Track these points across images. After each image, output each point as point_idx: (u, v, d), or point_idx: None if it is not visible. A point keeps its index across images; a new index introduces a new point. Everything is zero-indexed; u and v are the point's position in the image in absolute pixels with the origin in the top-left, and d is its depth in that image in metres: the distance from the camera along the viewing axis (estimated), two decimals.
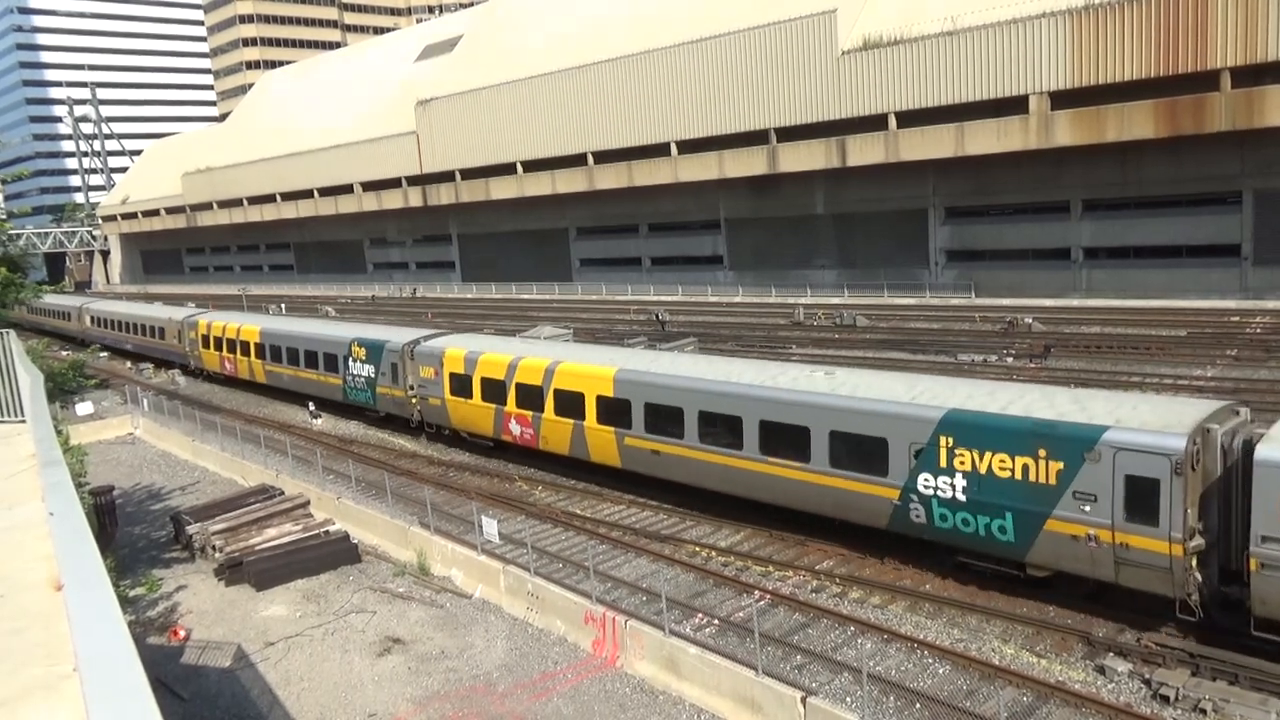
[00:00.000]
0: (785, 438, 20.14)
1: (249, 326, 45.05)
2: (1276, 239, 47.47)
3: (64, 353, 62.03)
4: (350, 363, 36.10)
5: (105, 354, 64.74)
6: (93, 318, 68.12)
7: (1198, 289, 49.72)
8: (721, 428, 21.58)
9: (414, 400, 32.79)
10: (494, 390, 28.57)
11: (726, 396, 21.48)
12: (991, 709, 13.91)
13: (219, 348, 47.59)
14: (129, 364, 60.91)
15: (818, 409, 19.53)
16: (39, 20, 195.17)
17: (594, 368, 25.35)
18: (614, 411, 24.38)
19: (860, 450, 18.75)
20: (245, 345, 44.70)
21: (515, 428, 27.91)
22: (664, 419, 22.96)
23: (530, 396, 27.14)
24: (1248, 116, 45.20)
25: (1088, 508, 15.50)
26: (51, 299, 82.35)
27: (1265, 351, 36.36)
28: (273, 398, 45.32)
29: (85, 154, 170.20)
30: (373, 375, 34.87)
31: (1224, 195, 49.28)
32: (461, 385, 30.05)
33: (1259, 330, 40.83)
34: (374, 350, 34.68)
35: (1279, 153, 46.39)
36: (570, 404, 25.68)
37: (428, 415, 32.52)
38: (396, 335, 35.16)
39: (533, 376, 27.00)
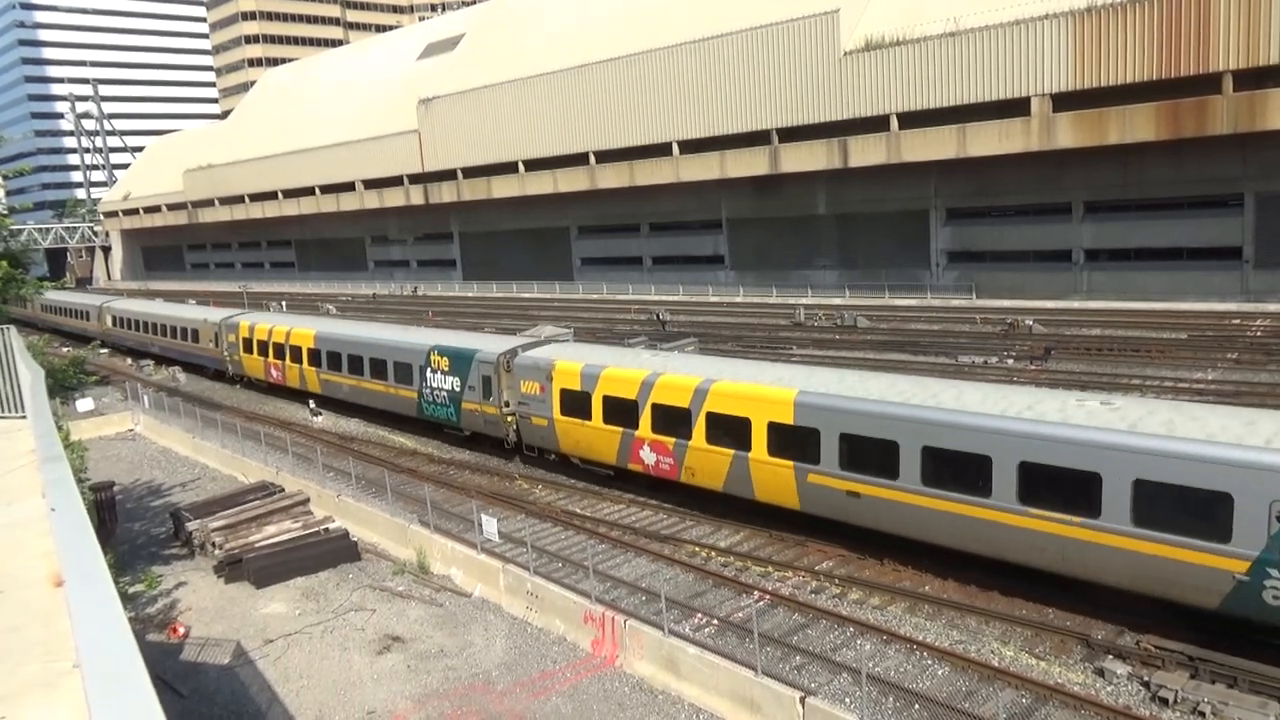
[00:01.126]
0: (1057, 484, 16.14)
1: (301, 330, 40.63)
2: (1278, 242, 47.47)
3: (64, 349, 62.12)
4: (429, 373, 31.73)
5: (106, 350, 64.68)
6: (115, 318, 63.79)
7: (1199, 291, 49.71)
8: (959, 468, 17.48)
9: (509, 419, 28.66)
10: (621, 411, 24.37)
11: (968, 430, 17.32)
12: (990, 710, 13.91)
13: (263, 352, 43.39)
14: (130, 360, 60.91)
15: (1113, 452, 15.40)
16: (41, 16, 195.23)
17: (764, 389, 21.11)
18: (793, 442, 20.24)
19: (1184, 507, 14.67)
20: (296, 350, 40.33)
21: (648, 456, 23.78)
22: (868, 454, 18.81)
23: (672, 420, 23.04)
24: (1250, 119, 45.20)
25: None
26: (68, 296, 79.37)
27: (1266, 355, 36.34)
28: (273, 395, 45.32)
29: (87, 150, 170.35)
30: (457, 389, 30.52)
31: (1225, 198, 49.27)
32: (576, 404, 25.73)
33: (1260, 333, 40.81)
34: (460, 360, 30.41)
35: None
36: (730, 431, 21.60)
37: (528, 436, 28.19)
38: (489, 343, 31.20)
39: (676, 396, 22.90)
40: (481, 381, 29.51)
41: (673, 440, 23.09)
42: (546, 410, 26.99)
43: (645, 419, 23.77)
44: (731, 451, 21.58)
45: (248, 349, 44.89)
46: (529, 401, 27.61)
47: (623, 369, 24.88)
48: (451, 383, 30.87)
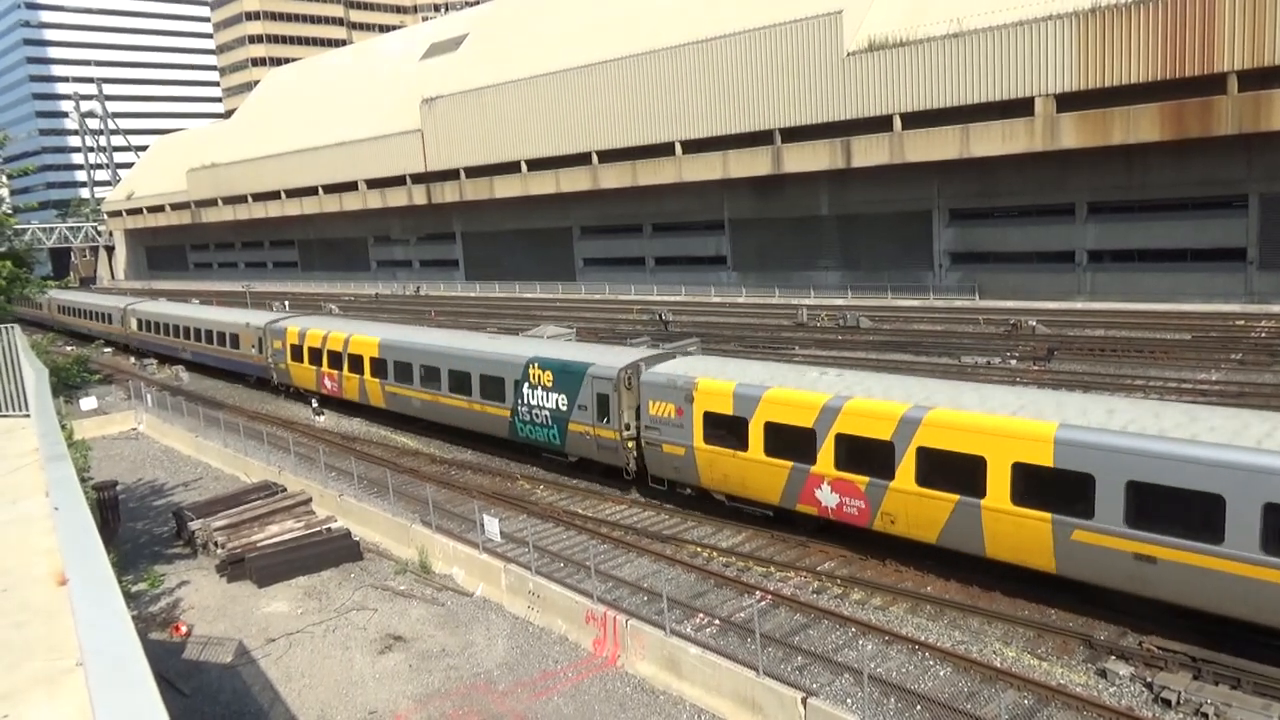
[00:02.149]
0: None
1: (363, 336, 36.42)
2: None
3: (68, 348, 62.22)
4: (526, 389, 27.56)
5: (109, 349, 64.72)
6: (141, 321, 59.45)
7: (1202, 293, 49.62)
8: None
9: (630, 443, 24.77)
10: (791, 442, 20.32)
11: None
12: (993, 711, 13.90)
13: (315, 361, 39.30)
14: (133, 359, 61.00)
15: None
16: (46, 16, 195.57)
17: (1006, 421, 17.06)
18: (1052, 490, 16.42)
19: None
20: (356, 360, 36.22)
21: (828, 497, 19.85)
22: (1173, 509, 14.96)
23: (865, 455, 18.97)
24: (1254, 120, 45.12)
25: None
26: (86, 297, 76.52)
27: (1270, 355, 36.28)
28: (274, 394, 45.34)
29: (91, 149, 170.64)
30: (563, 408, 26.36)
31: (1230, 199, 49.18)
32: (726, 431, 21.76)
33: (1264, 334, 40.73)
34: (569, 375, 26.23)
35: None
36: (952, 472, 17.65)
37: (656, 466, 23.97)
38: (605, 356, 26.65)
39: (873, 426, 18.82)
40: (596, 400, 25.21)
41: (865, 480, 18.98)
42: (684, 437, 22.68)
43: (827, 452, 19.61)
44: (954, 497, 17.57)
45: (296, 357, 40.84)
46: (659, 426, 23.27)
47: (794, 390, 20.55)
48: (556, 401, 26.52)
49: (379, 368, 34.94)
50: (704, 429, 22.30)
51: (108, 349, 65.13)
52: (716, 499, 22.82)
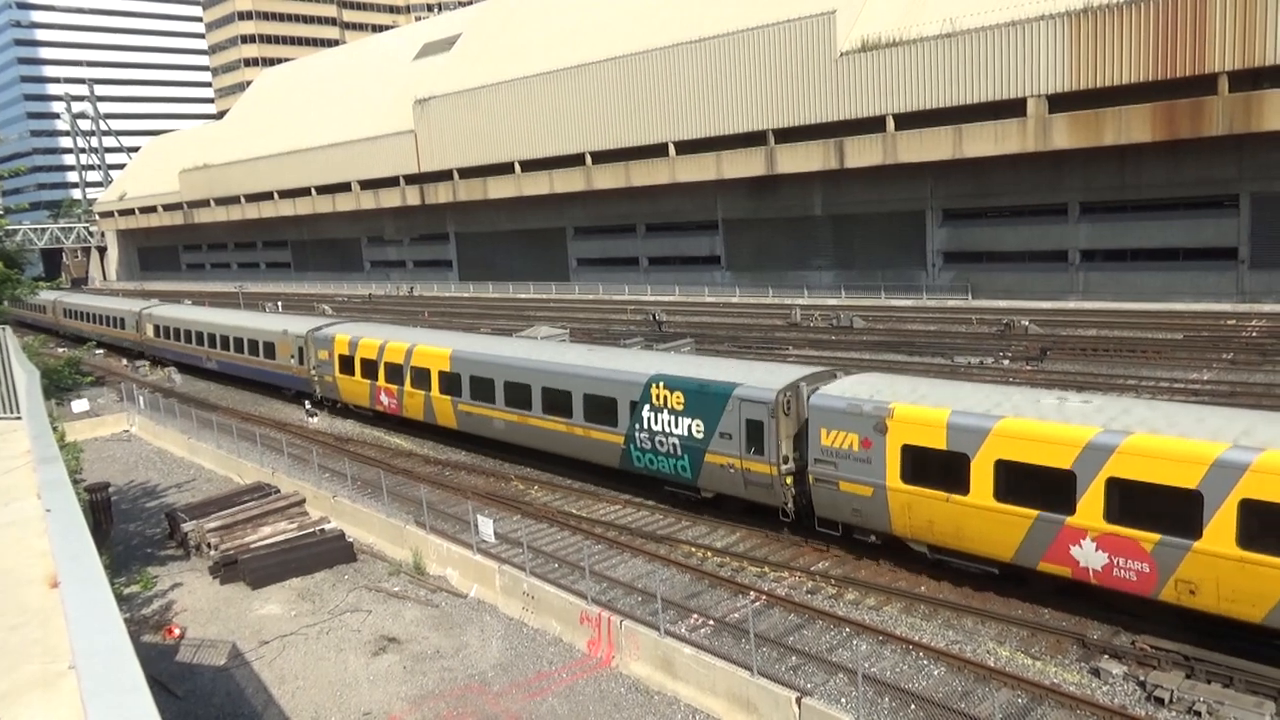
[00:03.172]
0: None
1: (430, 347, 32.05)
2: (1273, 242, 47.60)
3: (60, 350, 61.96)
4: (646, 412, 23.62)
5: (101, 351, 64.40)
6: (159, 327, 55.25)
7: (1194, 292, 49.83)
8: None
9: (789, 479, 20.90)
10: (1037, 486, 16.48)
11: None
12: (986, 710, 13.95)
13: (370, 374, 34.97)
14: (125, 361, 60.77)
15: None
16: (37, 16, 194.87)
17: None
18: None
19: None
20: (421, 374, 32.09)
21: (1091, 556, 15.88)
22: None
23: (1152, 506, 15.12)
24: (1245, 120, 45.31)
25: None
26: (97, 300, 71.88)
27: (1261, 355, 36.44)
28: (269, 395, 45.16)
29: (83, 150, 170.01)
30: (698, 435, 22.44)
31: (1221, 199, 49.39)
32: (936, 469, 17.76)
33: (1255, 334, 40.92)
34: (707, 396, 22.20)
35: (1276, 156, 46.52)
36: None
37: (829, 508, 19.86)
38: (753, 374, 22.27)
39: (1169, 471, 14.85)
40: (745, 428, 21.34)
41: (1154, 538, 15.07)
42: (871, 474, 18.69)
43: (1092, 500, 15.78)
44: None
45: (346, 369, 36.54)
46: (835, 460, 19.32)
47: (1042, 423, 16.54)
48: (688, 426, 22.63)
49: (450, 383, 30.69)
50: (902, 465, 18.28)
51: (99, 350, 64.56)
52: (914, 549, 18.77)
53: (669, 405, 23.16)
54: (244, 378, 46.21)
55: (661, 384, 23.44)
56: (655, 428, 23.50)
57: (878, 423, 18.59)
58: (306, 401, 40.61)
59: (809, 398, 20.25)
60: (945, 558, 18.39)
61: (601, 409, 25.01)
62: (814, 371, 22.01)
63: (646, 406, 23.66)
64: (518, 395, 27.87)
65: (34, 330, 77.88)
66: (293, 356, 40.59)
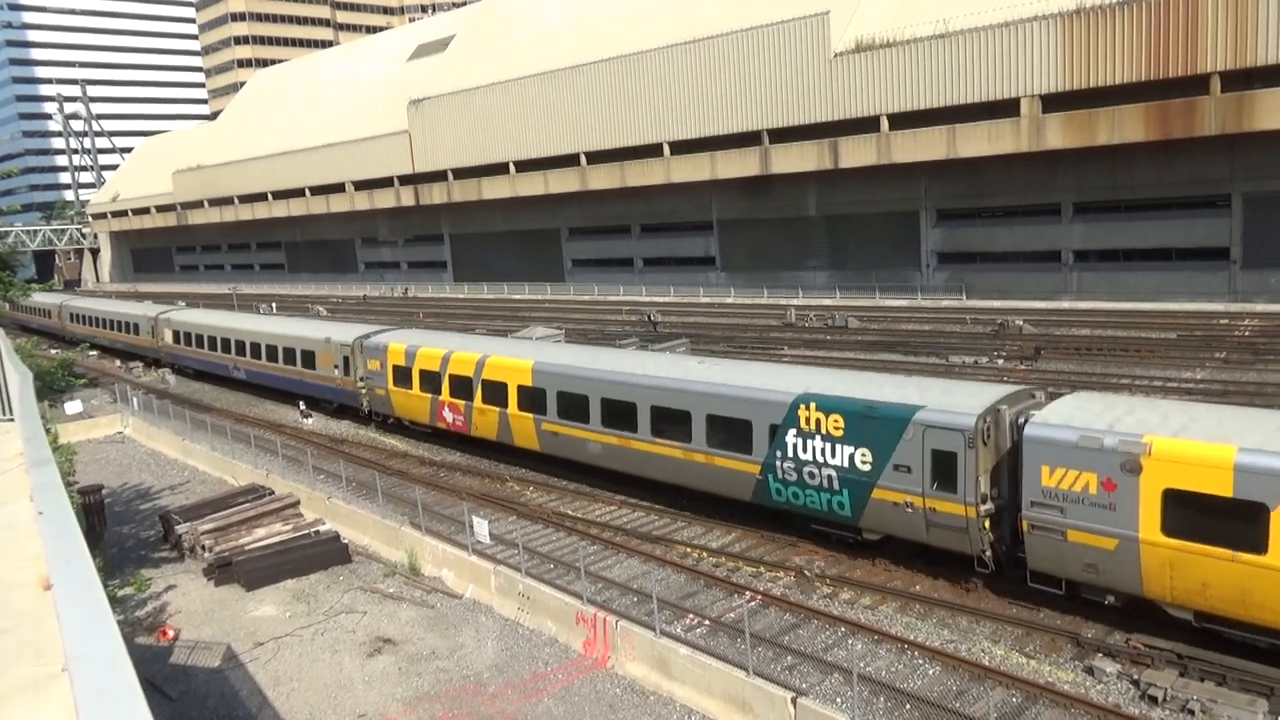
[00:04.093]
0: None
1: (506, 358, 28.58)
2: (1265, 242, 47.77)
3: (53, 351, 61.71)
4: (793, 438, 20.11)
5: (95, 353, 64.15)
6: (178, 333, 51.93)
7: (1187, 292, 49.98)
8: None
9: (986, 521, 17.44)
10: None
11: None
12: (981, 710, 13.98)
13: (431, 388, 31.49)
14: (118, 362, 60.58)
15: None
16: (29, 17, 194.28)
17: None
18: None
19: None
20: (495, 388, 28.56)
21: None
22: None
23: None
24: (1237, 120, 45.47)
25: None
26: (109, 304, 69.02)
27: (1253, 354, 36.58)
28: (263, 396, 45.01)
29: (75, 151, 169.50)
30: (864, 466, 18.91)
31: (1213, 199, 49.55)
32: (1220, 521, 14.36)
33: (1247, 333, 41.06)
34: (877, 421, 18.70)
35: (1268, 157, 46.67)
36: None
37: (1051, 559, 16.26)
38: (936, 394, 18.77)
39: None
40: (930, 459, 17.89)
41: None
42: (1115, 523, 15.36)
43: None
44: None
45: (402, 381, 33.10)
46: (1060, 503, 15.86)
47: None
48: (849, 456, 19.11)
49: (532, 399, 27.19)
50: (1164, 514, 14.87)
51: (93, 352, 64.14)
52: (1172, 615, 15.26)
53: (823, 430, 19.52)
54: (277, 389, 42.84)
55: (813, 405, 19.74)
56: (803, 456, 19.90)
57: (1127, 460, 15.11)
58: (301, 403, 40.41)
59: (1022, 426, 16.76)
60: (1220, 628, 14.79)
61: (731, 433, 21.47)
62: (1012, 391, 18.52)
63: (792, 431, 20.07)
64: (619, 414, 24.31)
65: (40, 336, 74.56)
66: (336, 366, 37.12)
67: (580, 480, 27.01)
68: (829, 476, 19.56)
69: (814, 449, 19.73)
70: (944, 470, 17.69)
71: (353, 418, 37.58)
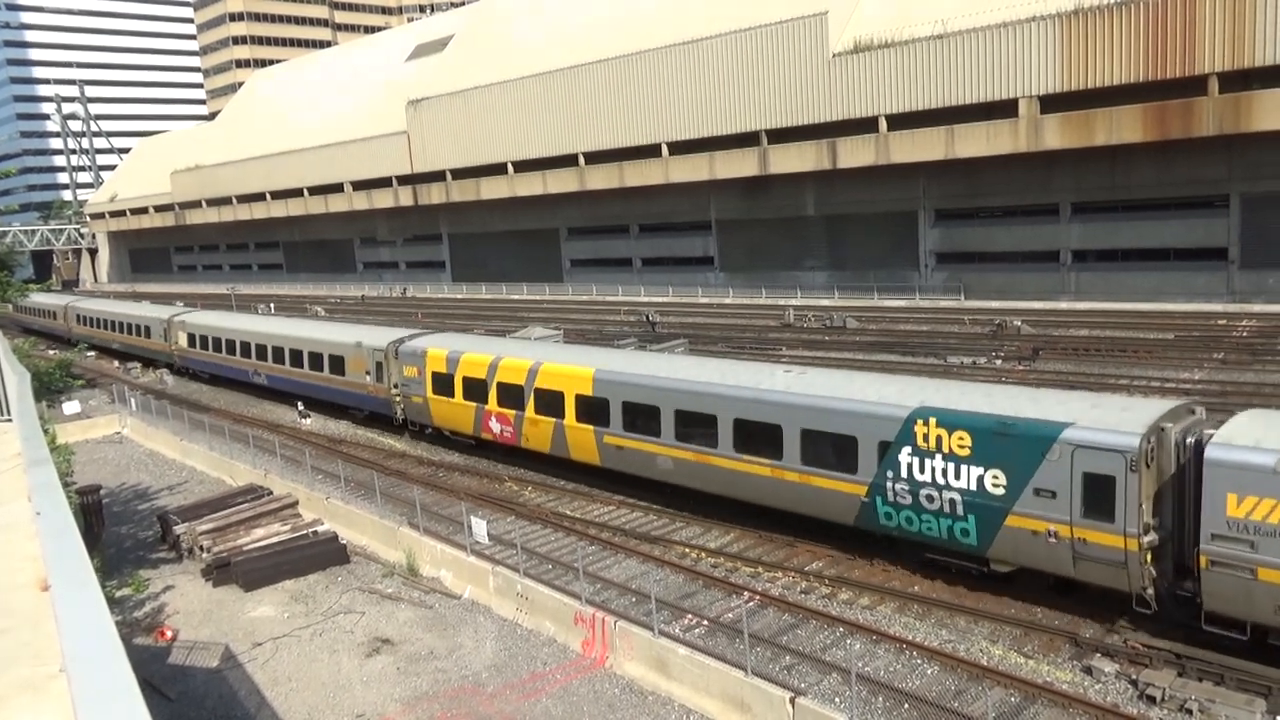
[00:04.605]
0: None
1: (562, 365, 26.57)
2: (1263, 243, 47.81)
3: (51, 351, 61.65)
4: (907, 456, 18.11)
5: (93, 353, 64.14)
6: (194, 336, 49.78)
7: (1185, 292, 50.02)
8: None
9: (1148, 554, 15.52)
10: None
11: None
12: (979, 709, 13.99)
13: (476, 396, 29.39)
14: (116, 363, 60.51)
15: None
16: (27, 17, 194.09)
17: None
18: None
19: None
20: (550, 397, 26.56)
21: None
22: None
23: None
24: (1235, 121, 45.51)
25: None
26: (119, 306, 66.25)
27: (1251, 355, 36.62)
28: (261, 397, 44.97)
29: (73, 151, 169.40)
30: (996, 490, 16.86)
31: (1211, 199, 49.59)
32: None
33: (1245, 333, 41.10)
34: (1014, 439, 16.64)
35: (1266, 157, 46.71)
36: None
37: (1237, 602, 14.24)
38: (1084, 408, 16.78)
39: None
40: (1082, 483, 15.88)
41: None
42: None
43: None
44: None
45: (443, 389, 31.07)
46: (1250, 537, 13.84)
47: None
48: (977, 478, 17.09)
49: (593, 410, 25.16)
50: None
51: (88, 355, 63.97)
52: None
53: (946, 449, 17.49)
54: (299, 395, 40.74)
55: (933, 420, 17.70)
56: (920, 477, 17.88)
57: None
58: (300, 403, 40.36)
59: (1197, 446, 14.80)
60: None
61: (832, 450, 19.51)
62: (1173, 406, 16.42)
63: (907, 449, 18.07)
64: (696, 427, 22.40)
65: (44, 338, 73.16)
66: (368, 373, 34.97)
67: (577, 481, 27.00)
68: (951, 500, 17.51)
69: (933, 469, 17.70)
70: (1098, 496, 15.65)
71: (382, 425, 35.77)
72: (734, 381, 21.92)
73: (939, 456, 17.60)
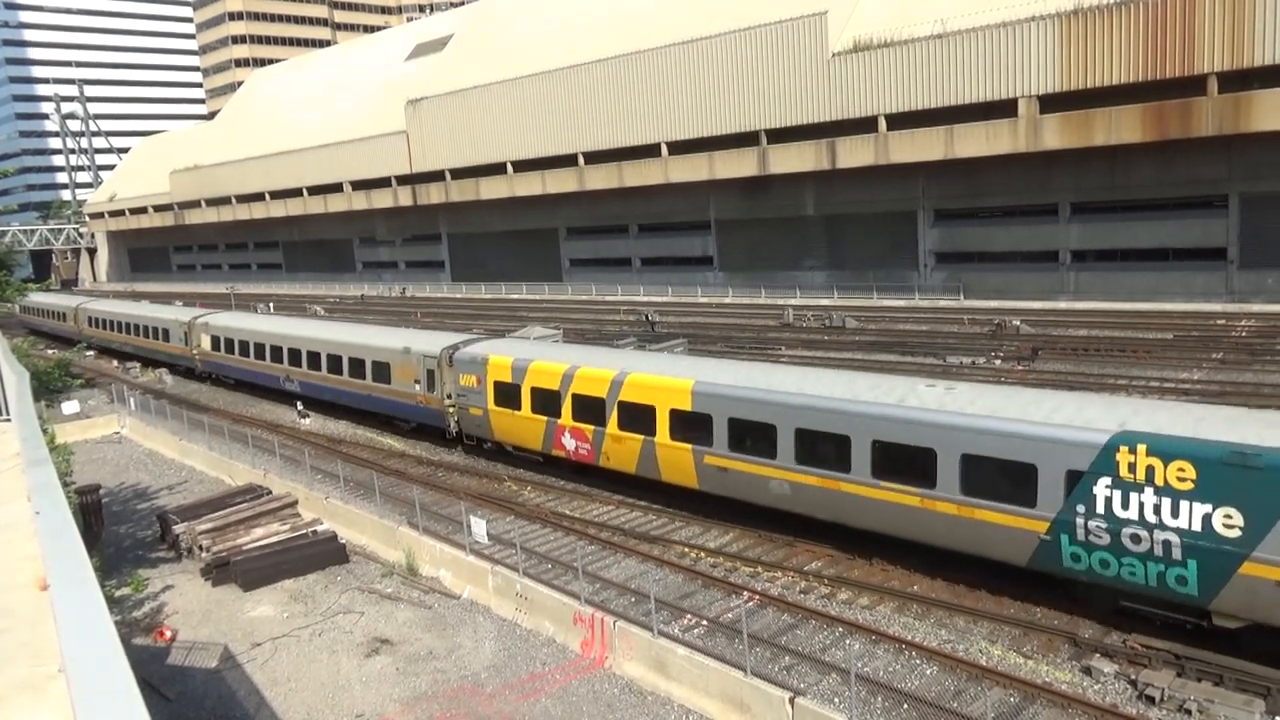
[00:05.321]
0: None
1: (652, 377, 23.84)
2: (1262, 243, 47.85)
3: (50, 351, 61.60)
4: (1105, 489, 15.39)
5: (92, 353, 64.04)
6: (218, 339, 47.27)
7: (1184, 292, 50.06)
8: None
9: None
10: None
11: None
12: (979, 709, 13.99)
13: (546, 409, 26.69)
14: (116, 362, 60.46)
15: None
16: (26, 16, 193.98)
17: None
18: None
19: None
20: (638, 412, 23.85)
21: None
22: None
23: None
24: (1234, 121, 45.54)
25: None
26: (134, 307, 63.40)
27: (1250, 355, 36.62)
28: (260, 396, 44.94)
29: (72, 151, 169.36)
30: (1226, 531, 14.19)
31: (1210, 199, 49.62)
32: None
33: (1244, 333, 41.11)
34: (1251, 470, 13.97)
35: (1265, 157, 46.75)
36: None
37: None
38: None
39: None
40: None
41: None
42: None
43: None
44: None
45: (507, 400, 28.18)
46: None
47: None
48: (1202, 517, 14.40)
49: (691, 426, 22.56)
50: None
51: (88, 354, 63.66)
52: None
53: (1158, 481, 14.80)
54: (338, 404, 38.26)
55: (1142, 447, 14.95)
56: (1122, 514, 15.19)
57: None
58: (299, 403, 40.28)
59: None
60: None
61: (1003, 479, 16.83)
62: None
63: (1105, 480, 15.36)
64: (821, 448, 19.77)
65: (54, 340, 70.93)
66: (417, 381, 32.34)
67: (576, 481, 26.99)
68: (1165, 542, 14.78)
69: (1140, 505, 15.00)
70: None
71: (433, 438, 33.29)
72: (873, 398, 19.20)
73: (1149, 490, 14.91)
